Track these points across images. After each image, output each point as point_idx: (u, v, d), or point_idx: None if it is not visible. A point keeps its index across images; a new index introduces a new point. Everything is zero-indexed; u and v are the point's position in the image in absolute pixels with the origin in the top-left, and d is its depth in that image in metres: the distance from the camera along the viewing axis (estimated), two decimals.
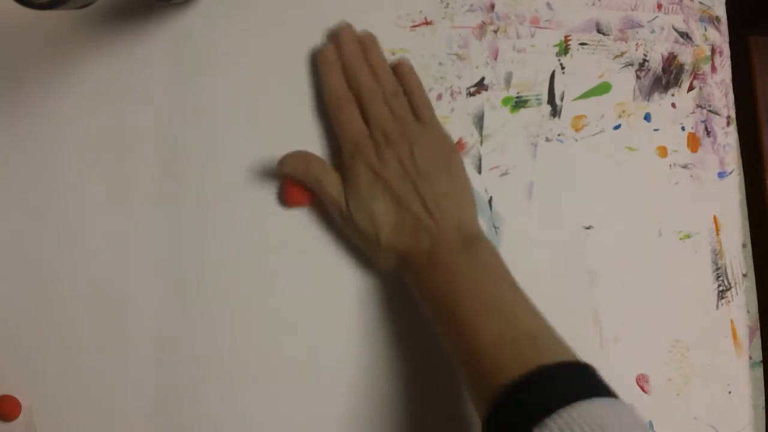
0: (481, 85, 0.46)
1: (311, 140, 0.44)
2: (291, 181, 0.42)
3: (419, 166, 0.40)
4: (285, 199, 0.43)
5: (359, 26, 0.45)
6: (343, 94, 0.43)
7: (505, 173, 0.46)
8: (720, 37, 0.48)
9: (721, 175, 0.47)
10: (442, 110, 0.46)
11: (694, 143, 0.47)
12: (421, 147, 0.41)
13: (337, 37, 0.44)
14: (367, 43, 0.44)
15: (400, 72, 0.44)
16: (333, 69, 0.43)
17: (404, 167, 0.40)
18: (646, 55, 0.47)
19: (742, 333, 0.45)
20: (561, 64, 0.47)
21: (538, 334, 0.36)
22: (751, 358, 0.46)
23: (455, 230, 0.39)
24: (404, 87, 0.44)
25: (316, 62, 0.44)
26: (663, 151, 0.47)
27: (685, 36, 0.48)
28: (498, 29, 0.47)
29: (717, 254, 0.46)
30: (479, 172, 0.45)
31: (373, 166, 0.40)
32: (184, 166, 0.44)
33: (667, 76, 0.48)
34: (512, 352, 0.34)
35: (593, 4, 0.48)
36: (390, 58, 0.46)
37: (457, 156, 0.43)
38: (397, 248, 0.40)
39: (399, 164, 0.40)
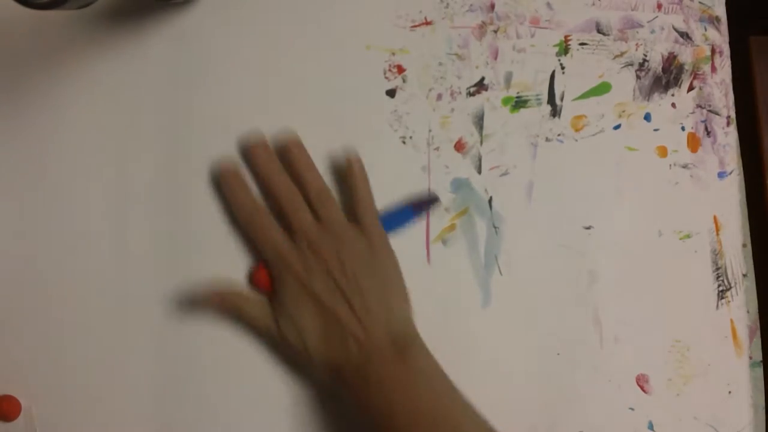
0: (481, 85, 0.46)
1: (311, 140, 0.44)
2: (260, 267, 0.41)
3: (348, 273, 0.39)
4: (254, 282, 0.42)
5: (359, 26, 0.45)
6: (252, 209, 0.41)
7: (505, 173, 0.46)
8: (720, 37, 0.48)
9: (721, 175, 0.47)
10: (442, 110, 0.46)
11: (694, 143, 0.47)
12: (349, 251, 0.40)
13: (246, 146, 0.42)
14: (287, 145, 0.42)
15: (348, 171, 0.42)
16: (235, 182, 0.42)
17: (332, 276, 0.39)
18: (646, 55, 0.47)
19: (742, 333, 0.45)
20: (561, 64, 0.47)
21: None
22: (751, 358, 0.46)
23: (386, 336, 0.38)
24: (347, 185, 0.42)
25: (217, 178, 0.42)
26: (663, 151, 0.47)
27: (685, 36, 0.48)
28: (498, 29, 0.47)
29: (717, 254, 0.46)
30: (479, 172, 0.45)
31: (299, 277, 0.39)
32: (184, 165, 0.44)
33: (667, 76, 0.48)
34: None
35: (593, 4, 0.48)
36: (390, 58, 0.46)
37: (391, 256, 0.41)
38: (328, 361, 0.39)
39: (326, 273, 0.39)
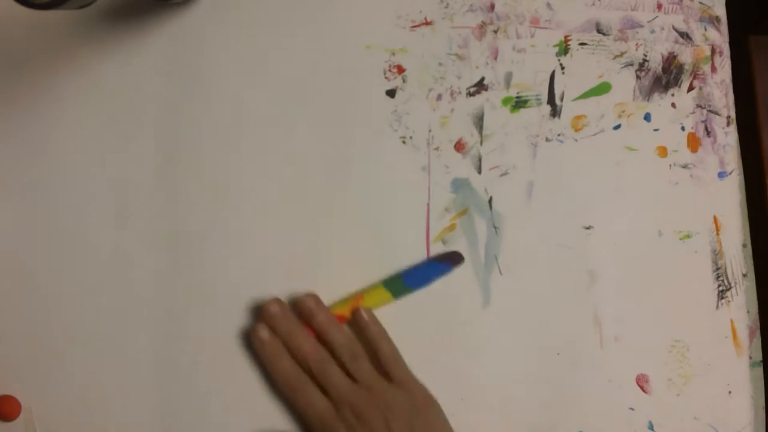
0: (481, 85, 0.46)
1: (310, 140, 0.44)
2: None
3: None
4: None
5: (359, 26, 0.46)
6: (293, 377, 0.39)
7: (505, 173, 0.46)
8: (720, 37, 0.48)
9: (721, 175, 0.47)
10: (442, 110, 0.46)
11: (694, 143, 0.47)
12: (395, 412, 0.38)
13: (266, 314, 0.40)
14: (309, 308, 0.40)
15: (360, 325, 0.41)
16: (273, 350, 0.40)
17: None
18: (646, 55, 0.47)
19: (742, 333, 0.45)
20: (561, 64, 0.47)
21: None
22: (751, 358, 0.46)
23: None
24: (366, 341, 0.41)
25: (254, 348, 0.41)
26: (663, 151, 0.47)
27: (685, 36, 0.48)
28: (498, 29, 0.47)
29: (717, 254, 0.46)
30: (479, 172, 0.45)
31: None
32: (184, 165, 0.44)
33: (667, 76, 0.48)
34: None
35: (593, 4, 0.48)
36: (390, 58, 0.46)
37: (436, 408, 0.41)
38: None
39: None
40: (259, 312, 0.41)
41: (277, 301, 0.41)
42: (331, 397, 0.39)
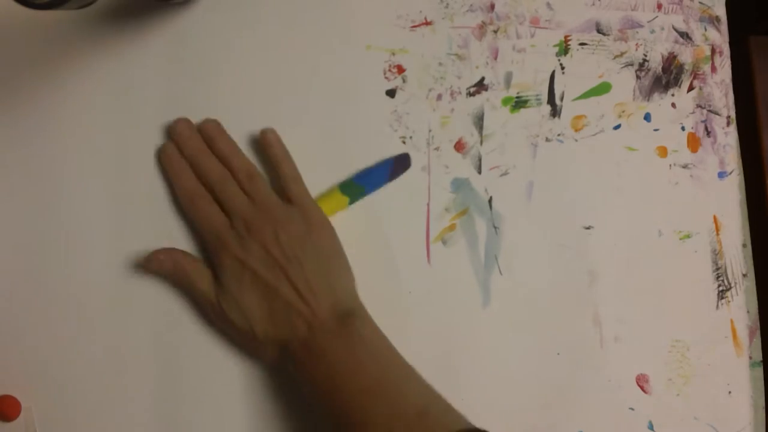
0: (481, 85, 0.46)
1: (311, 140, 0.44)
2: None
3: (286, 249, 0.39)
4: None
5: (359, 26, 0.46)
6: (194, 190, 0.41)
7: (505, 173, 0.46)
8: (720, 37, 0.48)
9: (721, 175, 0.47)
10: (442, 110, 0.46)
11: (694, 143, 0.47)
12: (286, 229, 0.40)
13: (174, 134, 0.42)
14: (210, 133, 0.42)
15: (263, 144, 0.43)
16: (178, 166, 0.42)
17: (271, 254, 0.39)
18: (646, 55, 0.47)
19: (742, 333, 0.45)
20: (561, 64, 0.47)
21: (428, 408, 0.36)
22: (751, 358, 0.46)
23: (330, 310, 0.39)
24: (269, 161, 0.43)
25: (160, 162, 0.43)
26: (663, 151, 0.47)
27: (685, 36, 0.48)
28: (498, 29, 0.47)
29: (717, 254, 0.46)
30: (479, 172, 0.45)
31: (238, 258, 0.39)
32: None
33: (667, 76, 0.48)
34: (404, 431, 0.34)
35: (593, 4, 0.48)
36: (390, 58, 0.46)
37: (328, 228, 0.41)
38: (275, 339, 0.39)
39: (265, 252, 0.39)
40: (168, 131, 0.43)
41: (185, 120, 0.43)
42: (226, 211, 0.40)
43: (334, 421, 0.37)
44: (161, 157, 0.42)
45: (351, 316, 0.39)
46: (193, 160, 0.42)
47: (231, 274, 0.39)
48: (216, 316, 0.40)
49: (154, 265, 0.41)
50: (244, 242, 0.39)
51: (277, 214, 0.40)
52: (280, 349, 0.39)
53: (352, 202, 0.43)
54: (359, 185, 0.43)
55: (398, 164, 0.44)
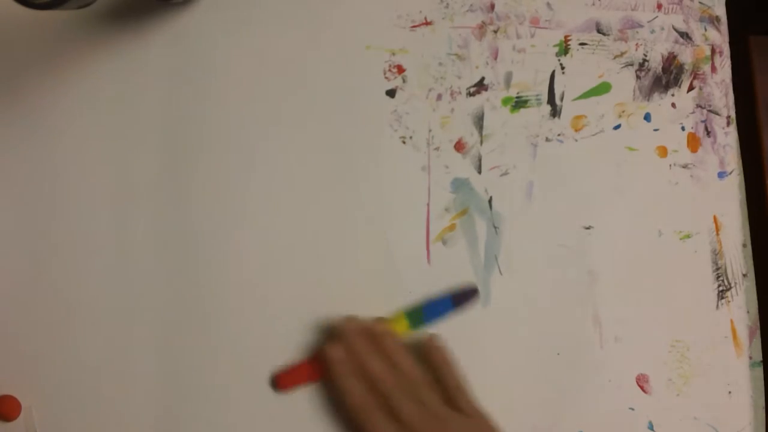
0: (481, 85, 0.46)
1: (311, 140, 0.44)
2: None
3: None
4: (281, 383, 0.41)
5: (359, 26, 0.46)
6: (363, 401, 0.40)
7: (505, 173, 0.46)
8: (720, 37, 0.48)
9: (721, 175, 0.47)
10: (442, 110, 0.46)
11: (694, 143, 0.47)
12: None
13: (341, 334, 0.41)
14: (376, 333, 0.41)
15: (427, 354, 0.41)
16: (346, 371, 0.40)
17: None
18: (646, 55, 0.47)
19: (742, 333, 0.45)
20: (561, 64, 0.47)
21: None
22: (751, 358, 0.46)
23: None
24: (434, 371, 0.41)
25: (326, 364, 0.41)
26: (663, 151, 0.47)
27: (685, 36, 0.48)
28: (498, 29, 0.47)
29: (717, 254, 0.46)
30: (479, 172, 0.45)
31: None
32: (185, 165, 0.44)
33: (667, 76, 0.48)
34: None
35: (593, 4, 0.48)
36: (390, 58, 0.46)
37: None
38: None
39: None
40: (334, 329, 0.42)
41: (353, 319, 0.41)
42: (399, 423, 0.39)
43: None
44: (328, 358, 0.40)
45: None
46: (360, 363, 0.40)
47: None
48: None
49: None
50: None
51: (453, 427, 0.39)
52: None
53: (413, 329, 0.43)
54: (422, 318, 0.43)
55: (463, 298, 0.44)
